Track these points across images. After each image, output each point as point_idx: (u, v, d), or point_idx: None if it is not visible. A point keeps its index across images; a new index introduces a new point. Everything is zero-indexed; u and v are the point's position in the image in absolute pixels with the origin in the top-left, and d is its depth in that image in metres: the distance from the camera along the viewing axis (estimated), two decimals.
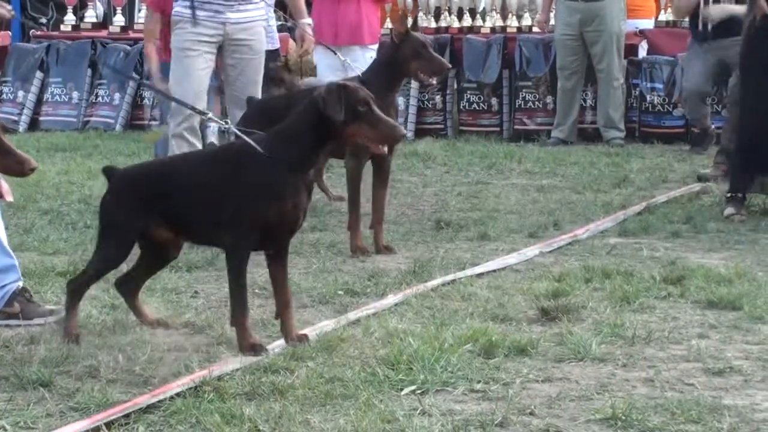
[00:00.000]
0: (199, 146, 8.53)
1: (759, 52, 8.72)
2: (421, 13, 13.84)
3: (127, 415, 4.32)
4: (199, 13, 8.21)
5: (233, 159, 5.39)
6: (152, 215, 5.36)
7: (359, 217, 7.55)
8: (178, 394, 4.54)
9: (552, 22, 12.98)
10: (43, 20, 15.67)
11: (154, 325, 5.51)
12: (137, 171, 5.98)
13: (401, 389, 4.70)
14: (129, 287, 5.61)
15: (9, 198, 5.28)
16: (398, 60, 7.75)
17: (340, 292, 6.34)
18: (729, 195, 8.82)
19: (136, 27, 14.44)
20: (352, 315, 5.78)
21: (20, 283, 6.03)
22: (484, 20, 14.08)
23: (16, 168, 5.17)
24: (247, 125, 7.94)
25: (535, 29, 13.64)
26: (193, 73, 8.28)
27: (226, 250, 5.33)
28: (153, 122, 13.62)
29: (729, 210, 8.60)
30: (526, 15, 13.80)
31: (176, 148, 8.29)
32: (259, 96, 8.55)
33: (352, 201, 7.58)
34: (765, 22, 8.63)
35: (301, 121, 5.29)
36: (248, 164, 5.25)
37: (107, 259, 5.44)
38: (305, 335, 5.24)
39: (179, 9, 8.41)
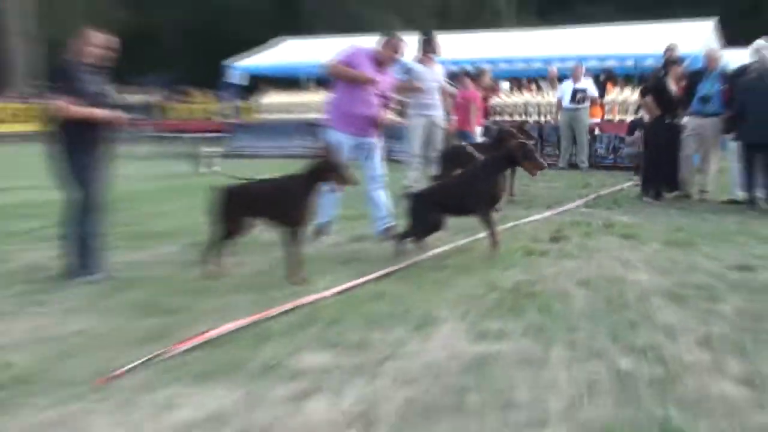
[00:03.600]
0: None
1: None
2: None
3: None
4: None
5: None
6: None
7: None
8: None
9: (559, 118, 20.03)
10: None
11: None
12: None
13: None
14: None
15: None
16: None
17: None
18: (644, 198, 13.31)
19: None
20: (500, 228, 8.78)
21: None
22: (530, 116, 21.20)
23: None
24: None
25: (551, 121, 20.80)
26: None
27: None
28: None
29: (646, 199, 13.08)
30: (549, 115, 21.04)
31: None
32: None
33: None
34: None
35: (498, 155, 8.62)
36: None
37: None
38: None
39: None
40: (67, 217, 7.62)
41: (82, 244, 7.61)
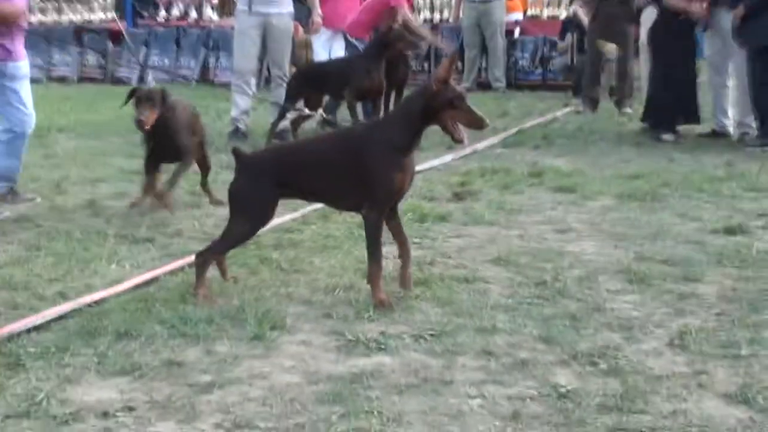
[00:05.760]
0: (250, 93, 7.99)
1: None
2: None
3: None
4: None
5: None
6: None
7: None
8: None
9: (461, 15, 12.11)
10: (146, 14, 15.14)
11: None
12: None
13: None
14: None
15: None
16: (385, 40, 7.48)
17: None
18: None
19: (204, 18, 14.00)
20: None
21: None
22: (420, 14, 13.20)
23: None
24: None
25: (450, 20, 12.91)
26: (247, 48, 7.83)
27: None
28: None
29: (665, 136, 7.60)
30: (446, 11, 13.20)
31: (237, 96, 7.86)
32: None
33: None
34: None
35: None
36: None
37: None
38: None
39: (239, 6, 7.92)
40: None
41: None
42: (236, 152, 3.74)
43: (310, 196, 3.90)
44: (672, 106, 7.64)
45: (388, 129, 3.59)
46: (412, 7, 10.46)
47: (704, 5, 7.48)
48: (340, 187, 3.60)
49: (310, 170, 3.63)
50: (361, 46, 8.63)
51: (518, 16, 12.75)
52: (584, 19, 9.96)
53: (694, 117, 7.78)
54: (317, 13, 8.16)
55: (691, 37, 7.78)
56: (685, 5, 7.52)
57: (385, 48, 7.47)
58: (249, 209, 3.64)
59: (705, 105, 8.02)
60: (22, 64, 5.20)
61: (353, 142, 3.64)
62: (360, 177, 3.51)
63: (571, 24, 10.76)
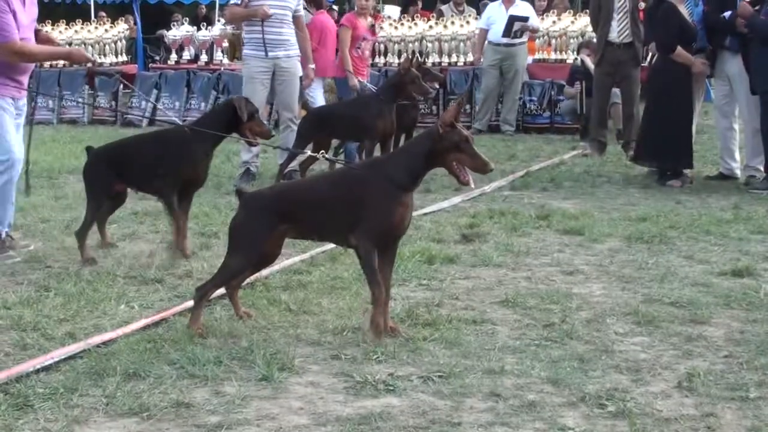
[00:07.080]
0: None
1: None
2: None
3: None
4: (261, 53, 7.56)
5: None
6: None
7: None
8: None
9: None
10: (157, 57, 15.26)
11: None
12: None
13: None
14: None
15: None
16: (398, 82, 7.43)
17: None
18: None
19: (214, 61, 14.06)
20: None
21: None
22: (429, 57, 12.80)
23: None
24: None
25: (459, 63, 12.50)
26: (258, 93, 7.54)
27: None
28: None
29: (671, 183, 7.51)
30: (454, 55, 13.10)
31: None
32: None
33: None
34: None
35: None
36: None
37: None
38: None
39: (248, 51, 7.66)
40: None
41: None
42: (239, 191, 3.88)
43: (312, 234, 3.89)
44: (662, 148, 7.55)
45: (391, 167, 3.61)
46: (373, 30, 10.22)
47: (707, 63, 7.46)
48: (339, 223, 3.60)
49: (310, 207, 3.66)
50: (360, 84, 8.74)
51: (528, 60, 12.31)
52: (591, 67, 10.01)
53: (686, 162, 7.66)
54: (310, 63, 7.91)
55: (689, 81, 7.73)
56: (690, 60, 7.50)
57: (398, 90, 7.46)
58: (243, 243, 3.69)
59: (712, 148, 7.98)
60: (24, 102, 5.26)
61: (353, 179, 3.67)
62: (358, 212, 3.52)
63: (579, 72, 10.79)
